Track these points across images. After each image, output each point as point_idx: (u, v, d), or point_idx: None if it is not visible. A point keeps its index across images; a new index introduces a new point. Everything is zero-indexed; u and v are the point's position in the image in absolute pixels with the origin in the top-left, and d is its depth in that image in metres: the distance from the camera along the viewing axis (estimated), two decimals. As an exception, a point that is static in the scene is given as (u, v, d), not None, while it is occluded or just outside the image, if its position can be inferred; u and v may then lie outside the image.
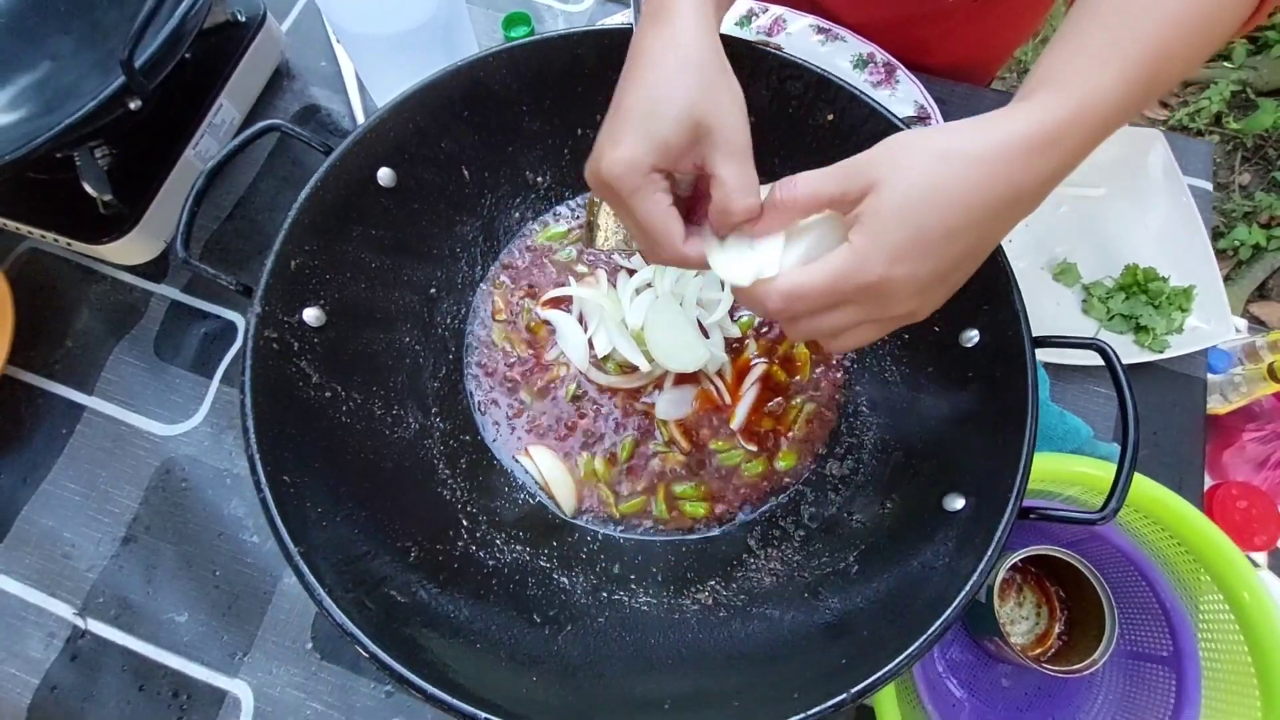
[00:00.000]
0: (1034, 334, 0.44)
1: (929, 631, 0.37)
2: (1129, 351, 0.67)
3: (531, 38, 0.53)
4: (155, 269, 0.73)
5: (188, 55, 0.74)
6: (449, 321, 0.57)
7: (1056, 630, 0.59)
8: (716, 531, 0.51)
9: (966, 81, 0.81)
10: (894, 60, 0.77)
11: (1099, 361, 0.66)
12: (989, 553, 0.39)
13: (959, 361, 0.49)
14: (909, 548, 0.44)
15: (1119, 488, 0.39)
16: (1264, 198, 1.76)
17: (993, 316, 0.47)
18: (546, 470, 0.51)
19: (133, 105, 0.55)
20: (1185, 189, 0.71)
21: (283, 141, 0.80)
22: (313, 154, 0.49)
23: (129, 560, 0.63)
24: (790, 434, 0.53)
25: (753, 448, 0.53)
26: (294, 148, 0.80)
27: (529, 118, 0.57)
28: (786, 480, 0.53)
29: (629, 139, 0.35)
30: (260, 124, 0.48)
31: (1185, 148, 0.76)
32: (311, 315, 0.47)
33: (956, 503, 0.43)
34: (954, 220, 0.31)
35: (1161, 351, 0.66)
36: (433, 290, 0.56)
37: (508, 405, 0.55)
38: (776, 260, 0.36)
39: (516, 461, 0.53)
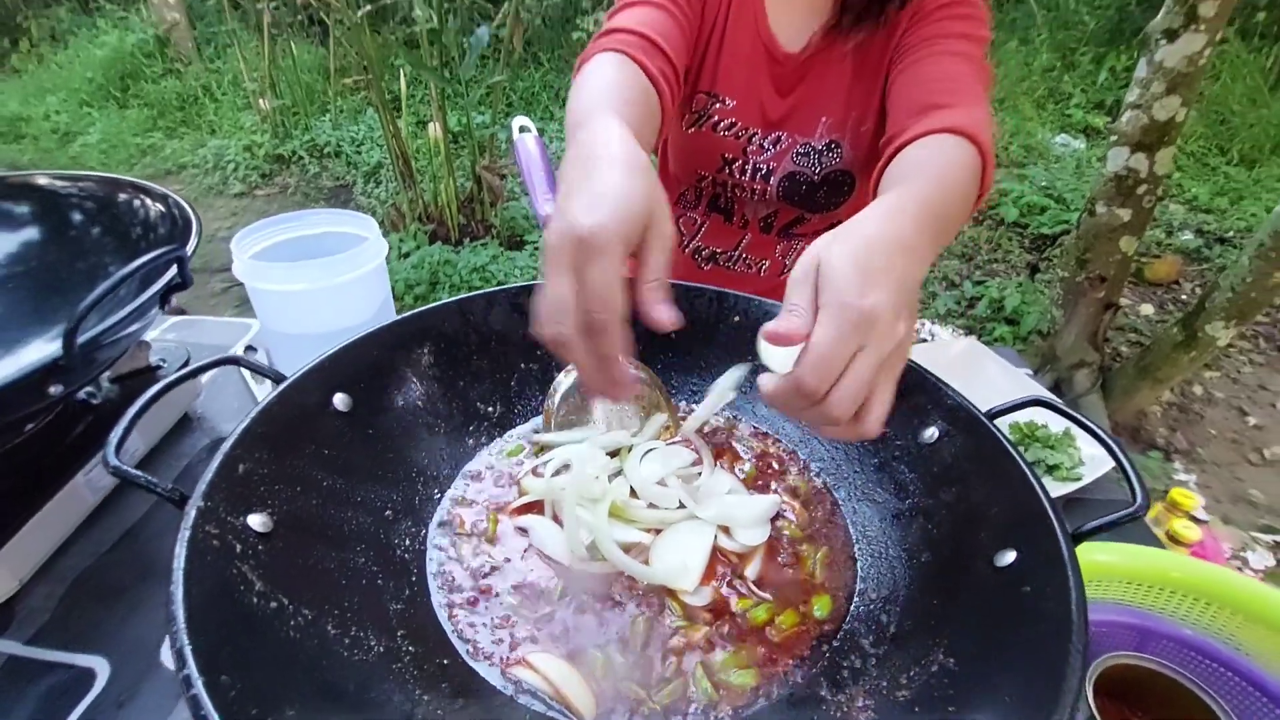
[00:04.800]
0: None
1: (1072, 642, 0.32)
2: (1055, 488, 0.72)
3: (479, 291, 0.62)
4: (-4, 619, 0.59)
5: (96, 400, 0.74)
6: (408, 544, 0.49)
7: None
8: (780, 694, 0.41)
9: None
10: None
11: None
12: (1070, 572, 0.37)
13: (929, 457, 0.51)
14: (992, 620, 0.38)
15: (1133, 478, 0.40)
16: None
17: (950, 414, 0.52)
18: (553, 675, 0.40)
19: (53, 390, 0.53)
20: (1021, 373, 0.87)
21: (188, 471, 0.75)
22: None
23: None
24: (814, 581, 0.49)
25: (768, 595, 0.47)
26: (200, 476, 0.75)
27: (478, 357, 0.61)
28: (827, 627, 0.46)
29: (607, 210, 0.38)
30: (217, 356, 0.49)
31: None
32: (257, 521, 0.40)
33: (1007, 557, 0.41)
34: (880, 256, 0.39)
35: (1080, 480, 0.72)
36: (388, 513, 0.50)
37: (489, 617, 0.45)
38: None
39: (511, 679, 0.41)
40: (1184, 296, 3.32)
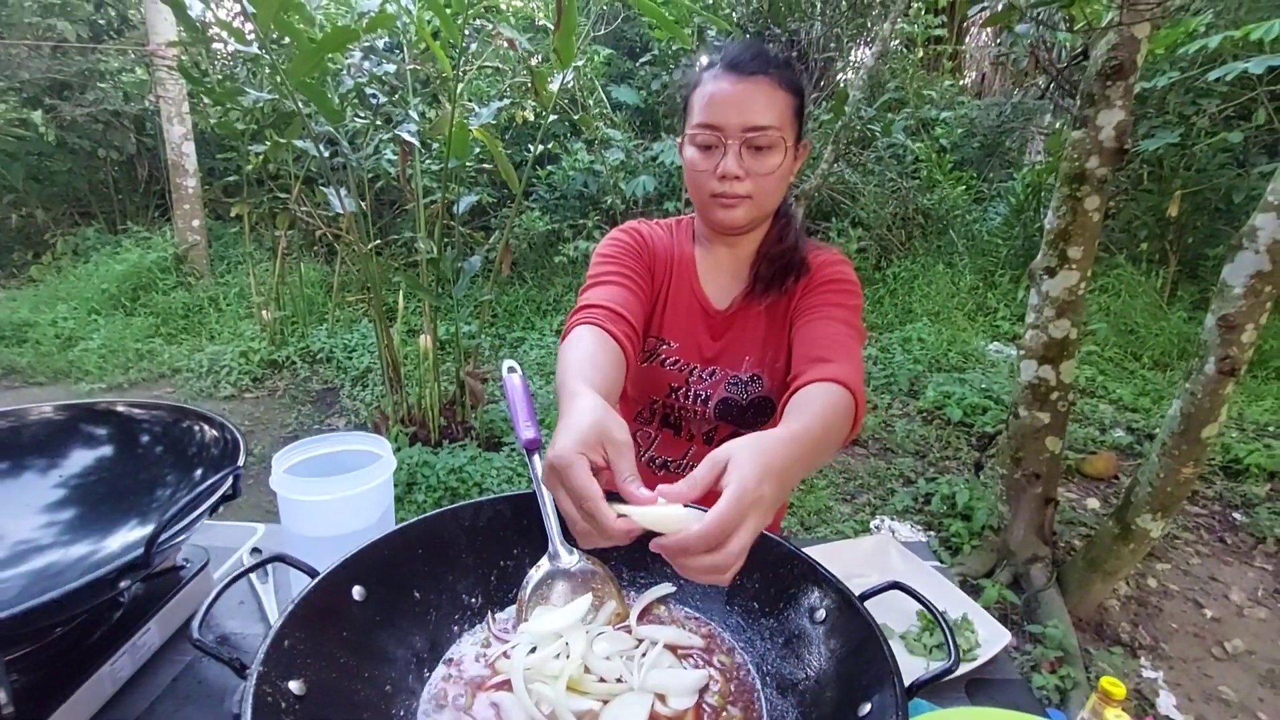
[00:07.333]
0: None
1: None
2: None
3: (467, 502, 0.78)
4: (15, 803, 0.65)
5: (123, 599, 0.84)
6: (402, 714, 0.60)
7: None
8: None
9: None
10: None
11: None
12: (899, 713, 0.50)
13: (818, 633, 0.65)
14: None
15: (948, 639, 0.55)
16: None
17: (835, 596, 0.66)
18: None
19: (124, 584, 0.65)
20: (926, 565, 1.02)
21: (190, 667, 0.84)
22: (219, 674, 0.64)
23: None
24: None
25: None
26: (202, 669, 0.84)
27: (465, 554, 0.76)
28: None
29: (564, 439, 0.56)
30: (269, 555, 0.63)
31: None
32: (295, 686, 0.53)
33: (865, 708, 0.54)
34: (774, 463, 0.56)
35: (976, 660, 0.84)
36: (388, 688, 0.61)
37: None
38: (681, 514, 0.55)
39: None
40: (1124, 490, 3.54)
